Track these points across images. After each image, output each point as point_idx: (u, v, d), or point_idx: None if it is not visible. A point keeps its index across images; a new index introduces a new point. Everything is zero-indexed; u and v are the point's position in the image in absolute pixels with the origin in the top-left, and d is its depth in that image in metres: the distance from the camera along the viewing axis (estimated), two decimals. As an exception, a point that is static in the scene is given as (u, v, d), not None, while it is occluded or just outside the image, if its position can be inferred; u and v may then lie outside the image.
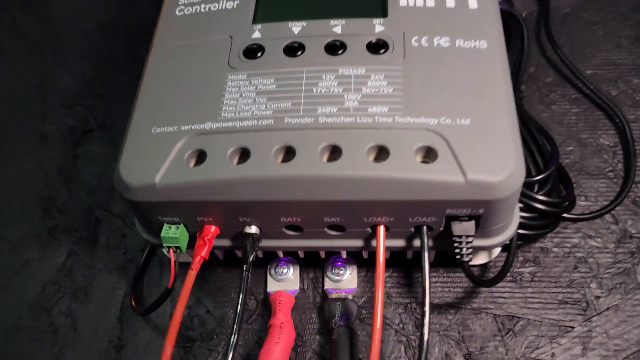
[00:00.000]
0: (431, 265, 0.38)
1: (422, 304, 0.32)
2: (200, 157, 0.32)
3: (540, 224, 0.37)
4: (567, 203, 0.38)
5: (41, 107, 0.50)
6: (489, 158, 0.30)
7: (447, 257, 0.38)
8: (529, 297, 0.37)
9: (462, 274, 0.38)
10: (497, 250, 0.38)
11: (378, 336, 0.31)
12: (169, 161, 0.32)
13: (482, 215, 0.32)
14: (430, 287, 0.32)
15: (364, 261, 0.39)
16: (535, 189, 0.37)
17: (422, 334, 0.31)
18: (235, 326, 0.32)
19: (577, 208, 0.39)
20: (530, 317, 0.36)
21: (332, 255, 0.39)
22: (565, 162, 0.42)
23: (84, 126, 0.48)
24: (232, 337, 0.32)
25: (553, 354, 0.35)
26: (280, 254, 0.39)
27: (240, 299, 0.33)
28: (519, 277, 0.38)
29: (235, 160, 0.32)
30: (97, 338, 0.39)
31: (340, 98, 0.33)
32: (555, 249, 0.39)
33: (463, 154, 0.31)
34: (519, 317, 0.36)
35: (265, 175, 0.31)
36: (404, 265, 0.39)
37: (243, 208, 0.33)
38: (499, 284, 0.37)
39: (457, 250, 0.33)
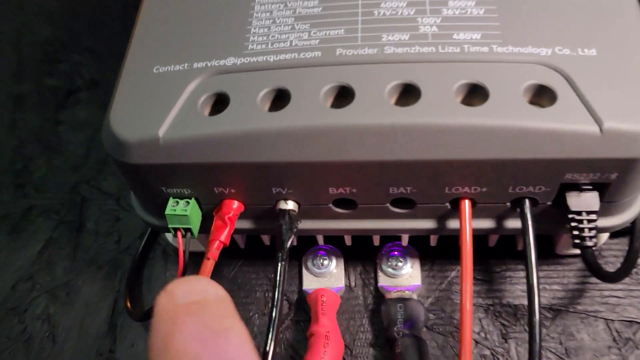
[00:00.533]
0: (513, 254, 0.30)
1: (530, 307, 0.23)
2: (220, 102, 0.24)
3: (664, 200, 0.28)
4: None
5: (15, 64, 0.41)
6: (630, 101, 0.22)
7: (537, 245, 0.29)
8: (651, 297, 0.28)
9: (559, 267, 0.29)
10: (605, 236, 0.29)
11: (468, 350, 0.22)
12: (177, 109, 0.24)
13: (613, 182, 0.23)
14: (538, 284, 0.23)
15: (428, 250, 0.30)
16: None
17: (532, 348, 0.22)
18: (270, 334, 0.23)
19: None
20: (655, 323, 0.27)
21: (387, 243, 0.30)
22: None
23: (68, 86, 0.40)
24: (268, 346, 0.23)
25: (691, 373, 0.26)
26: (320, 241, 0.30)
27: (276, 298, 0.24)
28: (635, 270, 0.29)
29: (268, 105, 0.23)
30: (82, 350, 0.30)
31: (412, 22, 0.24)
32: (679, 234, 0.30)
33: (593, 95, 0.22)
34: (640, 323, 0.28)
35: (311, 126, 0.22)
36: (479, 254, 0.30)
37: (279, 173, 0.24)
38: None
39: (575, 232, 0.24)
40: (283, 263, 0.25)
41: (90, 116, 0.38)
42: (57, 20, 0.43)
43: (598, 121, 0.21)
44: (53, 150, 0.37)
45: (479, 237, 0.29)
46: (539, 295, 0.23)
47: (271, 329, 0.23)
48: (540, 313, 0.23)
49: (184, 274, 0.26)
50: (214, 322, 0.11)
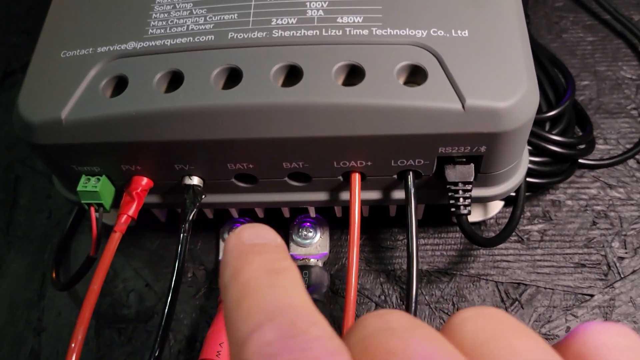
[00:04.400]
0: (419, 223, 0.31)
1: (409, 271, 0.25)
2: (120, 85, 0.25)
3: (552, 170, 0.30)
4: (584, 145, 0.31)
5: (-46, 48, 0.42)
6: (494, 79, 0.23)
7: (438, 214, 0.31)
8: (539, 261, 0.30)
9: (457, 234, 0.31)
10: (499, 205, 0.31)
11: (352, 310, 0.25)
12: (80, 91, 0.25)
13: (484, 155, 0.25)
14: (418, 250, 0.25)
15: (337, 221, 0.32)
16: (547, 128, 0.30)
17: (408, 307, 0.24)
18: (169, 300, 0.25)
19: (595, 152, 0.32)
20: (540, 285, 0.30)
21: (299, 215, 0.32)
22: (580, 99, 0.35)
23: (4, 68, 0.41)
24: (165, 311, 0.25)
25: (568, 328, 0.28)
26: (235, 214, 0.32)
27: (176, 266, 0.26)
28: (525, 236, 0.31)
29: (164, 87, 0.25)
30: (12, 320, 0.31)
31: (301, 6, 0.26)
32: (570, 202, 0.32)
33: (460, 74, 0.23)
34: (527, 285, 0.30)
35: (202, 105, 0.24)
36: (385, 224, 0.32)
37: (177, 151, 0.25)
38: (502, 245, 0.31)
39: (452, 202, 0.26)
40: (185, 234, 0.26)
41: (24, 97, 0.39)
42: (-5, 3, 0.44)
43: (462, 99, 0.23)
44: (-13, 131, 0.38)
45: (382, 208, 0.31)
46: (417, 261, 0.25)
47: (170, 296, 0.25)
48: (417, 276, 0.25)
49: (97, 246, 0.28)
50: (273, 261, 0.14)
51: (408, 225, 0.25)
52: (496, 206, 0.31)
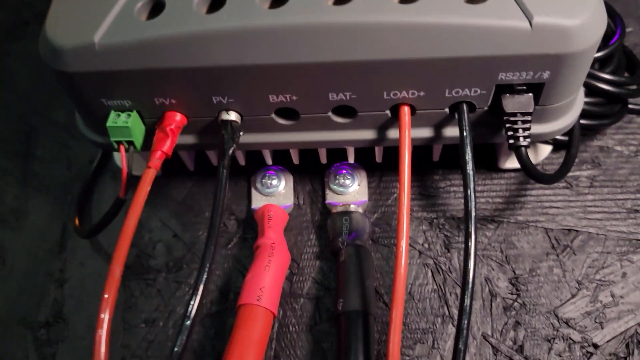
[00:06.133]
0: (458, 169, 0.30)
1: (467, 215, 0.23)
2: (157, 6, 0.23)
3: (603, 111, 0.29)
4: (635, 86, 0.29)
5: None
6: (560, -3, 0.22)
7: (481, 158, 0.30)
8: (589, 207, 0.29)
9: (501, 181, 0.30)
10: (547, 150, 0.30)
11: (405, 257, 0.23)
12: (113, 14, 0.23)
13: (547, 82, 0.23)
14: (475, 192, 0.24)
15: (375, 167, 0.30)
16: (597, 68, 0.29)
17: (467, 254, 0.23)
18: (209, 241, 0.23)
19: (644, 98, 0.31)
20: (591, 231, 0.28)
21: (335, 162, 0.30)
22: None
23: (15, 19, 0.39)
24: (205, 261, 0.23)
25: (624, 274, 0.27)
26: (269, 161, 0.30)
27: (216, 209, 0.24)
28: (574, 182, 0.30)
29: (205, 8, 0.23)
30: (32, 272, 0.30)
31: None
32: (619, 147, 0.30)
33: (524, -8, 0.22)
34: (578, 231, 0.28)
35: (246, 26, 0.22)
36: (425, 170, 0.30)
37: (218, 79, 0.24)
38: (550, 191, 0.29)
39: (510, 133, 0.24)
40: (224, 171, 0.25)
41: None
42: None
43: (529, 16, 0.21)
44: (0, 81, 0.36)
45: (424, 151, 0.29)
46: (475, 199, 0.24)
47: (211, 239, 0.23)
48: (481, 223, 0.23)
49: (127, 187, 0.26)
50: None
51: (465, 164, 0.24)
52: (544, 150, 0.30)
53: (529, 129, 0.24)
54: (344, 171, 0.30)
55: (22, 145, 0.34)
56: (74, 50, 0.23)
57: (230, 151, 0.25)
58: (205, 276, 0.23)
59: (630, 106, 0.30)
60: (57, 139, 0.34)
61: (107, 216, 0.27)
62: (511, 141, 0.24)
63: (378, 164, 0.30)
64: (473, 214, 0.24)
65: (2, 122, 0.35)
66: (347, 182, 0.30)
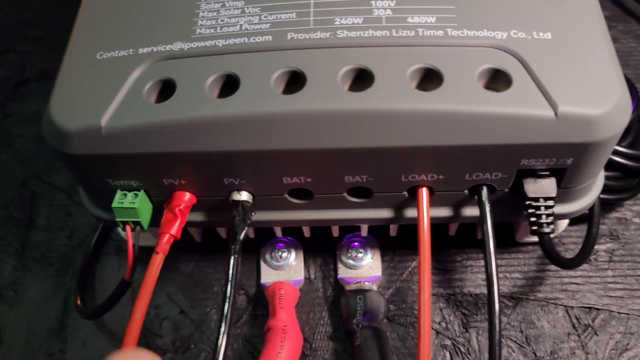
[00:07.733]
0: (474, 243, 0.29)
1: (490, 295, 0.22)
2: (167, 89, 0.23)
3: (621, 185, 0.28)
4: (654, 159, 0.29)
5: (-38, 56, 0.39)
6: (585, 84, 0.21)
7: (497, 231, 0.29)
8: (610, 283, 0.28)
9: (520, 255, 0.29)
10: (564, 224, 0.29)
11: (427, 341, 0.22)
12: (120, 96, 0.22)
13: (570, 167, 0.22)
14: (497, 272, 0.23)
15: (388, 241, 0.29)
16: (616, 140, 0.28)
17: (492, 336, 0.22)
18: (222, 328, 0.22)
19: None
20: (613, 309, 0.27)
21: (347, 234, 0.29)
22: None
23: (17, 77, 0.38)
24: (219, 341, 0.22)
25: (650, 358, 0.26)
26: (278, 233, 0.29)
27: (228, 291, 0.23)
28: (593, 256, 0.29)
29: (217, 92, 0.23)
30: (30, 351, 0.28)
31: (366, 5, 0.23)
32: (637, 220, 0.30)
33: (548, 79, 0.21)
34: (599, 309, 0.27)
35: (261, 112, 0.21)
36: (441, 245, 0.29)
37: (230, 163, 0.23)
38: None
39: (533, 219, 0.23)
40: (236, 256, 0.24)
41: (41, 108, 0.36)
42: (5, 9, 0.41)
43: (553, 105, 0.21)
44: (1, 145, 0.35)
45: (440, 226, 0.28)
46: (497, 283, 0.23)
47: (223, 324, 0.22)
48: (500, 301, 0.22)
49: (133, 269, 0.25)
50: None
51: (485, 244, 0.23)
52: (561, 225, 0.29)
53: (551, 214, 0.23)
54: (357, 244, 0.29)
55: (23, 212, 0.33)
56: (79, 134, 0.22)
57: (242, 235, 0.24)
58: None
59: (649, 177, 0.30)
60: (58, 207, 0.33)
61: (112, 298, 0.26)
62: (534, 227, 0.23)
63: (392, 237, 0.29)
64: (496, 297, 0.23)
65: (3, 188, 0.34)
66: (360, 255, 0.29)
